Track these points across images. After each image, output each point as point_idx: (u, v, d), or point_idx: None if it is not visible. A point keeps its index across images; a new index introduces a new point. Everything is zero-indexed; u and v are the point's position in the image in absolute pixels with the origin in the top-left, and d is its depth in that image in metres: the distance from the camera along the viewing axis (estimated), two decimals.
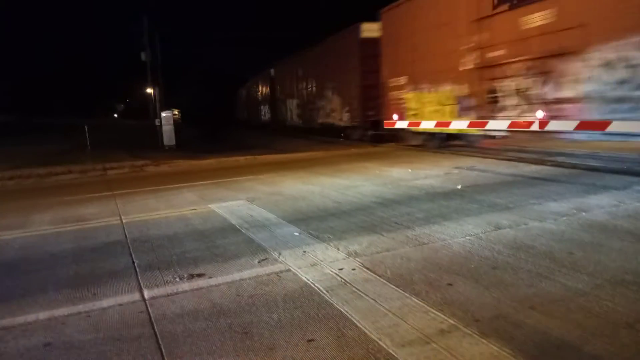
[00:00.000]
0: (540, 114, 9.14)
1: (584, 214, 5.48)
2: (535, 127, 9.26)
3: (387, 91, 15.03)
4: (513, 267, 3.91)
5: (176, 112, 32.65)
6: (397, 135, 15.27)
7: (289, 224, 5.80)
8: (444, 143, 13.32)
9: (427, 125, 13.11)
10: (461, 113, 11.69)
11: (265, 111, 34.96)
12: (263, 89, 35.28)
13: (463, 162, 10.47)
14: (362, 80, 17.41)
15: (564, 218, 5.34)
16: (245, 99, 45.11)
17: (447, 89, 12.15)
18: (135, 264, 4.62)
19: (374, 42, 15.95)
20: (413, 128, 13.93)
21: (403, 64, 13.98)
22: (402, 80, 14.11)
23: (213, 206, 7.19)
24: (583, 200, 6.12)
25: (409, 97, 13.81)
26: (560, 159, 9.98)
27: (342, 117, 19.94)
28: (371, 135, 17.40)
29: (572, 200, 6.19)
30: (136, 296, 3.81)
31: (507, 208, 5.97)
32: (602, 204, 5.87)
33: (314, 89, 23.44)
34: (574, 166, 9.01)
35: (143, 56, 23.09)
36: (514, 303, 3.24)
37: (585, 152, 10.71)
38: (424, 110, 13.25)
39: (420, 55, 13.14)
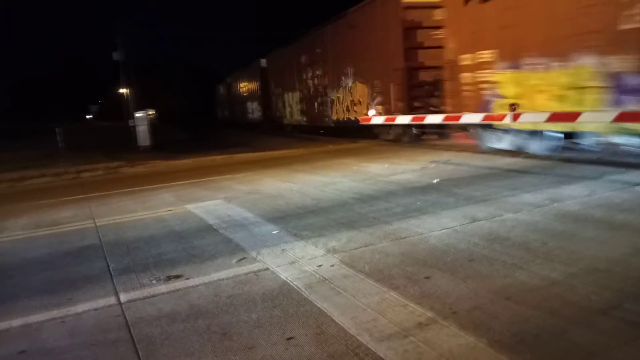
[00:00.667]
0: None
1: (557, 204, 5.58)
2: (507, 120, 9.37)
3: (455, 73, 10.99)
4: (489, 259, 3.96)
5: (151, 112, 31.95)
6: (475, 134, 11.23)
7: (267, 223, 5.77)
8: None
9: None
10: (622, 100, 7.45)
11: (253, 109, 30.02)
12: (251, 84, 30.32)
13: (439, 156, 10.56)
14: (405, 61, 13.34)
15: (538, 209, 5.42)
16: (225, 96, 40.35)
17: (587, 63, 7.84)
18: (111, 268, 4.55)
19: (421, 7, 13.06)
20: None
21: (489, 32, 9.77)
22: (487, 55, 9.95)
23: (190, 206, 7.12)
24: (556, 191, 6.23)
25: (503, 78, 9.66)
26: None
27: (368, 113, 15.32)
28: (417, 135, 13.87)
29: (545, 191, 6.29)
30: (112, 300, 3.75)
31: (483, 200, 6.04)
32: (575, 194, 5.98)
33: (327, 78, 18.32)
34: (547, 157, 9.16)
35: (115, 56, 22.78)
36: (490, 294, 3.27)
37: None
38: (533, 98, 9.00)
39: (525, 15, 8.92)
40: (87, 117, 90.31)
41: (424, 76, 13.32)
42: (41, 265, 4.85)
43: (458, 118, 10.85)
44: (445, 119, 11.33)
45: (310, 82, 20.05)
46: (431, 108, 12.83)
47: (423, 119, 12.12)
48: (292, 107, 22.86)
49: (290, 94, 22.71)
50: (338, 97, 17.53)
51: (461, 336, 2.74)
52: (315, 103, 19.61)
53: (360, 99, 15.77)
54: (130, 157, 16.18)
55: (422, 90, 13.48)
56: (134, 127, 20.04)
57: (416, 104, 13.48)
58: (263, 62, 26.88)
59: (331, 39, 17.62)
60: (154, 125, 23.51)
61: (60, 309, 3.65)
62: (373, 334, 2.84)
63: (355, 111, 16.14)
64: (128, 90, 24.71)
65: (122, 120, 28.50)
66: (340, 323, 3.01)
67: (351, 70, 16.17)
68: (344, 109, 17.04)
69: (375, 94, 14.85)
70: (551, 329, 2.77)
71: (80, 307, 3.65)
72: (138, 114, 20.07)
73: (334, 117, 17.98)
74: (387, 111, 14.00)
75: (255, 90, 29.34)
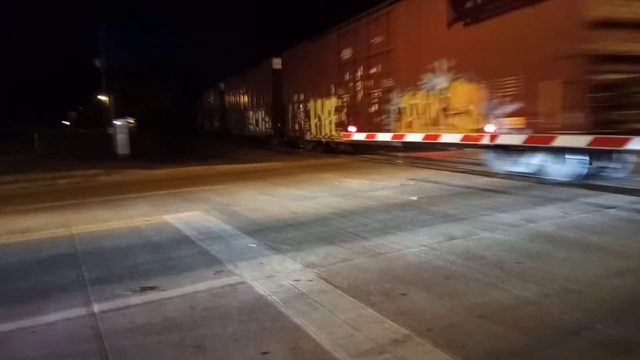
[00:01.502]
0: None
1: (532, 224, 5.68)
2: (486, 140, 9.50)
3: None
4: (465, 277, 4.00)
5: (131, 121, 31.53)
6: None
7: (245, 235, 5.74)
8: None
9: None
10: None
11: (258, 120, 25.33)
12: (255, 90, 25.64)
13: (418, 174, 10.67)
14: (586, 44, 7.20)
15: (514, 229, 5.51)
16: (216, 104, 36.78)
17: None
18: (85, 277, 4.46)
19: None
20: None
21: None
22: None
23: (167, 217, 7.05)
24: (531, 212, 6.35)
25: None
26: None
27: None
28: None
29: (521, 211, 6.40)
30: (85, 310, 3.67)
31: (460, 219, 6.11)
32: (550, 215, 6.10)
33: (393, 77, 13.06)
34: (523, 178, 9.33)
35: (97, 63, 22.60)
36: (465, 312, 3.31)
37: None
38: None
39: None
40: (65, 123, 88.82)
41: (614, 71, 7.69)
42: (12, 273, 4.73)
43: (437, 137, 11.00)
44: (425, 138, 11.47)
45: (358, 84, 14.69)
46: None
47: (402, 137, 12.25)
48: (321, 118, 17.40)
49: (319, 101, 17.46)
50: (412, 105, 12.08)
51: (436, 353, 2.76)
52: (367, 113, 14.23)
53: (468, 105, 10.20)
54: (109, 165, 15.95)
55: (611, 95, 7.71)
56: (114, 135, 19.81)
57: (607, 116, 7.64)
58: (276, 62, 21.76)
59: (405, 20, 12.30)
60: (134, 134, 23.29)
61: (31, 318, 3.56)
62: (348, 350, 2.84)
63: (453, 125, 10.69)
64: (108, 98, 24.47)
65: (102, 127, 28.16)
66: (316, 338, 3.01)
67: (447, 63, 10.68)
68: (428, 120, 11.52)
69: (502, 98, 9.26)
70: (524, 348, 2.81)
71: (51, 317, 3.56)
72: (118, 122, 19.86)
73: (403, 132, 12.49)
74: (536, 126, 8.58)
75: (262, 97, 24.23)
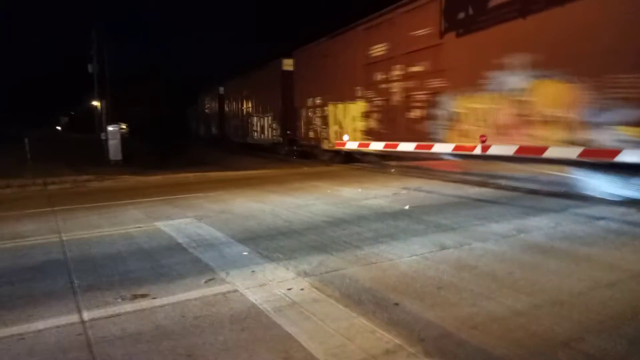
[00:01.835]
0: None
1: (523, 235, 5.71)
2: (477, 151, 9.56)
3: None
4: (457, 287, 4.01)
5: (124, 127, 31.30)
6: None
7: (238, 243, 5.73)
8: None
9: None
10: None
11: (264, 126, 23.05)
12: (260, 93, 23.29)
13: (411, 183, 10.70)
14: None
15: (505, 239, 5.54)
16: (213, 110, 34.77)
17: None
18: (75, 284, 4.43)
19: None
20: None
21: None
22: None
23: (159, 224, 7.02)
24: (523, 222, 6.39)
25: None
26: (502, 181, 10.38)
27: None
28: None
29: (512, 221, 6.44)
30: (75, 318, 3.64)
31: (452, 229, 6.14)
32: (541, 226, 6.14)
33: (446, 76, 10.66)
34: (515, 189, 9.39)
35: (90, 68, 22.51)
36: (457, 322, 3.32)
37: (525, 175, 11.18)
38: None
39: None
40: (57, 128, 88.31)
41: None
42: (1, 279, 4.68)
43: (430, 147, 11.06)
44: (417, 147, 11.52)
45: (393, 86, 12.65)
46: None
47: (396, 146, 12.30)
48: (342, 124, 15.35)
49: (340, 105, 15.39)
50: (472, 110, 9.97)
51: None
52: (405, 119, 12.18)
53: (559, 110, 8.17)
54: (100, 171, 15.86)
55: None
56: (106, 140, 19.71)
57: None
58: (286, 63, 19.87)
59: (462, 7, 10.29)
60: (126, 140, 23.18)
61: (20, 325, 3.53)
62: None
63: (534, 134, 8.65)
64: (100, 103, 24.36)
65: (94, 132, 28.01)
66: (308, 348, 3.00)
67: (527, 58, 8.62)
68: (494, 128, 9.49)
69: (614, 101, 7.30)
70: (515, 359, 2.81)
71: (41, 324, 3.53)
72: (110, 127, 19.77)
73: (457, 141, 10.37)
74: None
75: (269, 102, 22.03)
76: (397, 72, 12.50)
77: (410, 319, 3.39)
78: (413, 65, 11.82)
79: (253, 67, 24.10)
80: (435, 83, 11.05)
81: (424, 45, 11.32)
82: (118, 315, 3.66)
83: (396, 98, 12.55)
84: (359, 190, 9.92)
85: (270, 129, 22.14)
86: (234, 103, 28.55)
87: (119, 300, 3.97)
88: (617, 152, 7.20)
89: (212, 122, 35.06)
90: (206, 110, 37.24)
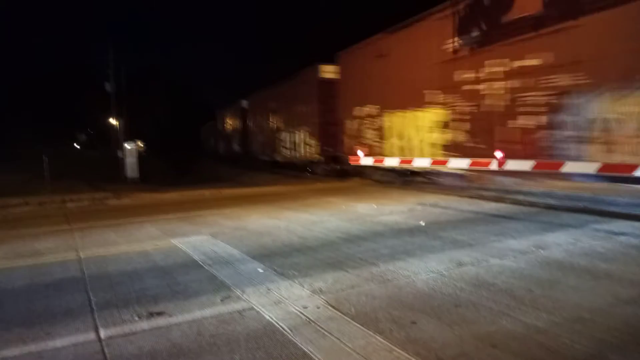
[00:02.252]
0: None
1: (542, 251, 5.63)
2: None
3: None
4: (475, 305, 3.96)
5: (141, 145, 31.56)
6: None
7: (253, 260, 5.73)
8: None
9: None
10: None
11: (296, 142, 20.63)
12: (293, 107, 20.86)
13: (426, 199, 10.64)
14: None
15: (524, 255, 5.46)
16: (234, 126, 32.39)
17: None
18: (92, 302, 4.46)
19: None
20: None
21: None
22: None
23: (175, 241, 7.06)
24: (541, 238, 6.30)
25: None
26: (519, 197, 10.27)
27: None
28: None
29: (530, 238, 6.35)
30: (92, 336, 3.67)
31: (469, 245, 6.08)
32: (560, 242, 6.05)
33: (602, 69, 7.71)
34: (532, 204, 9.28)
35: (107, 87, 22.92)
36: (476, 341, 3.27)
37: (543, 190, 11.07)
38: None
39: None
40: (76, 145, 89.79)
41: None
42: (20, 296, 4.74)
43: (445, 162, 11.00)
44: (433, 163, 11.47)
45: (487, 86, 9.96)
46: None
47: (410, 161, 12.26)
48: (410, 138, 12.71)
49: (404, 114, 12.84)
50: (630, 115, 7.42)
51: None
52: (508, 129, 9.51)
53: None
54: (117, 188, 16.06)
55: None
56: (123, 158, 19.98)
57: None
58: (325, 70, 17.92)
59: None
60: (143, 157, 23.42)
61: (38, 343, 3.56)
62: None
63: None
64: (118, 122, 24.75)
65: (110, 150, 28.38)
66: None
67: None
68: None
69: None
70: None
71: (58, 342, 3.56)
72: (128, 146, 20.05)
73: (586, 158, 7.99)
74: None
75: (302, 115, 19.81)
76: (492, 68, 9.74)
77: (427, 338, 3.35)
78: (521, 58, 9.10)
79: (281, 78, 22.27)
80: (562, 80, 8.38)
81: (540, 30, 8.68)
82: (134, 333, 3.67)
83: (492, 101, 9.86)
84: (374, 206, 9.89)
85: (305, 146, 19.87)
86: (259, 117, 26.39)
87: (136, 318, 3.99)
88: None
89: (234, 138, 32.28)
90: (226, 126, 34.68)
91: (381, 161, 13.55)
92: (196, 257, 5.99)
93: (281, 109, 22.69)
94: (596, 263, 5.05)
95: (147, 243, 7.02)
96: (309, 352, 3.19)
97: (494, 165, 9.50)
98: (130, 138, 21.87)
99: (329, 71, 17.75)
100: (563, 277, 4.61)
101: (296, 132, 20.61)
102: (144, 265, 5.77)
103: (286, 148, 21.89)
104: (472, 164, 10.19)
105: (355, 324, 3.65)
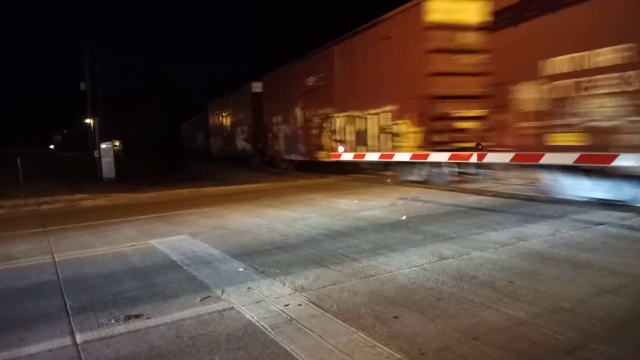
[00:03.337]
0: None
1: (522, 242, 5.66)
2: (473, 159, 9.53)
3: None
4: (457, 298, 3.95)
5: (117, 144, 31.09)
6: None
7: (233, 259, 5.65)
8: None
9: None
10: None
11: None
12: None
13: (407, 193, 10.65)
14: None
15: (504, 247, 5.48)
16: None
17: None
18: (68, 306, 4.34)
19: None
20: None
21: None
22: None
23: (153, 242, 6.93)
24: (522, 230, 6.33)
25: None
26: (499, 189, 10.35)
27: None
28: None
29: (511, 229, 6.39)
30: (67, 341, 3.56)
31: (450, 238, 6.08)
32: (540, 233, 6.09)
33: None
34: (512, 196, 9.36)
35: (82, 86, 22.51)
36: (458, 334, 3.25)
37: (522, 182, 11.16)
38: None
39: None
40: (50, 147, 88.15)
41: None
42: None
43: (426, 156, 11.03)
44: (413, 157, 11.48)
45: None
46: None
47: (391, 156, 12.26)
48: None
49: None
50: None
51: None
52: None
53: None
54: (94, 189, 15.78)
55: None
56: (99, 158, 19.64)
57: None
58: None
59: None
60: (120, 157, 23.07)
61: (12, 350, 3.44)
62: None
63: None
64: (93, 121, 24.30)
65: (87, 150, 27.93)
66: None
67: None
68: None
69: None
70: None
71: (33, 348, 3.44)
72: (104, 145, 19.71)
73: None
74: None
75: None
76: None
77: (410, 332, 3.32)
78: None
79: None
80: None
81: None
82: (111, 337, 3.57)
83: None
84: (356, 201, 9.87)
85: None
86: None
87: (113, 321, 3.88)
88: None
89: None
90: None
91: (362, 156, 13.53)
92: (175, 258, 5.89)
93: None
94: (576, 253, 5.08)
95: (124, 244, 6.89)
96: (290, 351, 3.13)
97: (473, 158, 9.54)
98: (108, 139, 21.51)
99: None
100: (544, 268, 4.63)
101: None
102: (121, 267, 5.65)
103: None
104: (452, 157, 10.23)
105: (338, 320, 3.60)
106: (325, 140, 16.03)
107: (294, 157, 19.00)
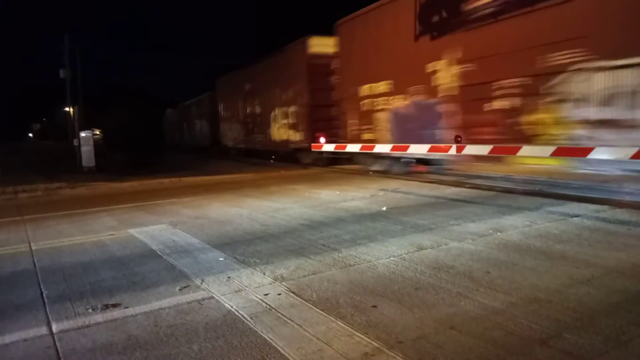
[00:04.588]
0: None
1: (499, 234, 5.75)
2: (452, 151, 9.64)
3: None
4: (435, 287, 4.00)
5: (97, 132, 30.56)
6: None
7: (213, 249, 5.63)
8: None
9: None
10: None
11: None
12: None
13: (388, 185, 10.72)
14: None
15: (482, 238, 5.56)
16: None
17: None
18: (44, 295, 4.29)
19: None
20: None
21: None
22: None
23: (133, 231, 6.86)
24: (499, 221, 6.43)
25: None
26: (478, 181, 10.47)
27: None
28: None
29: (488, 221, 6.48)
30: (43, 330, 3.51)
31: (429, 229, 6.14)
32: (516, 224, 6.19)
33: None
34: (490, 188, 9.48)
35: (62, 73, 22.08)
36: (435, 323, 3.29)
37: (500, 175, 11.31)
38: None
39: None
40: (29, 135, 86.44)
41: None
42: None
43: (406, 148, 11.09)
44: (393, 148, 11.55)
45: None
46: None
47: (372, 147, 12.32)
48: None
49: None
50: None
51: None
52: None
53: None
54: (73, 178, 15.54)
55: None
56: (78, 147, 19.32)
57: None
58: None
59: None
60: (100, 146, 22.71)
61: None
62: None
63: None
64: (72, 109, 23.85)
65: (67, 139, 27.45)
66: (285, 354, 2.94)
67: None
68: None
69: None
70: (494, 358, 2.80)
71: (7, 338, 3.39)
72: (83, 134, 19.38)
73: None
74: None
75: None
76: None
77: (388, 321, 3.36)
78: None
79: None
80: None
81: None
82: (88, 326, 3.54)
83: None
84: (337, 192, 9.89)
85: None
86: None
87: (90, 310, 3.85)
88: None
89: (280, 116, 19.77)
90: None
91: (344, 147, 13.55)
92: (154, 247, 5.85)
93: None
94: (551, 244, 5.18)
95: (103, 233, 6.81)
96: (269, 340, 3.14)
97: (452, 150, 9.63)
98: (88, 128, 21.15)
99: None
100: (520, 259, 4.71)
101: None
102: (100, 256, 5.59)
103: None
104: (431, 150, 10.31)
105: (317, 309, 3.62)
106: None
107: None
